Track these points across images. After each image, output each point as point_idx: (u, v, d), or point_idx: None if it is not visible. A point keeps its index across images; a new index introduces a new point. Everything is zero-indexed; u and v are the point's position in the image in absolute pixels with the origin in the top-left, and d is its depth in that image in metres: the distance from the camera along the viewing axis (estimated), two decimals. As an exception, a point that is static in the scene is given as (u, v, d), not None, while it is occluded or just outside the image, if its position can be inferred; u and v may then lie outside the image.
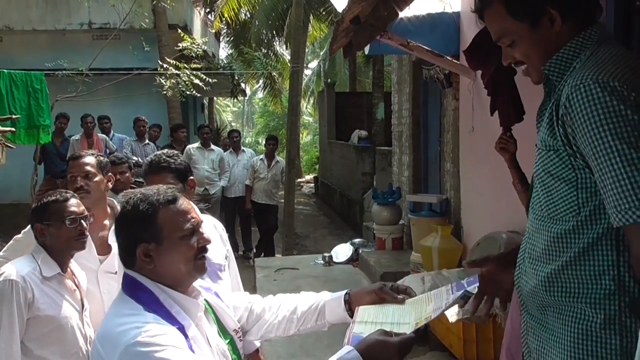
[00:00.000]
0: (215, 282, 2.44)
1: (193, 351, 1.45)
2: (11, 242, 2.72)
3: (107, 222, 2.75)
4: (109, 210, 2.79)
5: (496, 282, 1.78)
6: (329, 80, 20.50)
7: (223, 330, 1.68)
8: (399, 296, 1.72)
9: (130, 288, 1.52)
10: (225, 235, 2.72)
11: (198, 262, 1.55)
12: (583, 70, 1.41)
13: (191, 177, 2.54)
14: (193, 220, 1.55)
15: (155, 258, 1.51)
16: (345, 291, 1.84)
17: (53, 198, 2.38)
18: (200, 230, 1.58)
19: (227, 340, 1.67)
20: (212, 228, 2.61)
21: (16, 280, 2.24)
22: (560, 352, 1.46)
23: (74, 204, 2.41)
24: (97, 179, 2.73)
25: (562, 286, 1.46)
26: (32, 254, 2.37)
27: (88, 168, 2.72)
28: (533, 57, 1.56)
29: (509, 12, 1.52)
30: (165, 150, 2.59)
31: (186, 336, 1.47)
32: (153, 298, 1.49)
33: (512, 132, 3.24)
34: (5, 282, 2.24)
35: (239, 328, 1.77)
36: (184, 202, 1.57)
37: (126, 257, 1.55)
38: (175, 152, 2.61)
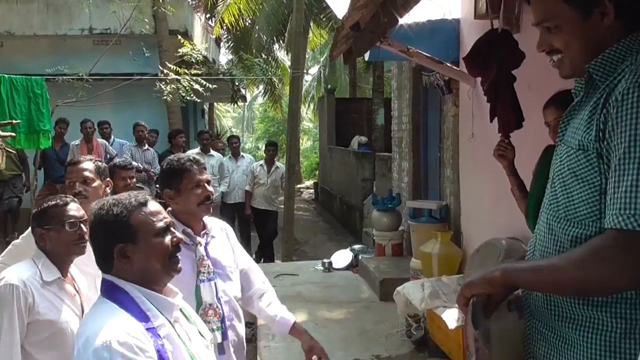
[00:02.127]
0: (225, 283, 2.52)
1: (164, 350, 1.53)
2: (9, 247, 2.72)
3: None
4: None
5: None
6: (329, 86, 20.54)
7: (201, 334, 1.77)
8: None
9: (108, 291, 1.61)
10: (234, 237, 2.73)
11: (172, 259, 1.66)
12: None
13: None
14: (165, 219, 1.67)
15: (132, 258, 1.60)
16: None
17: (53, 202, 2.39)
18: (173, 229, 1.69)
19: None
20: (219, 230, 2.65)
21: (17, 285, 2.25)
22: (571, 356, 1.43)
23: (74, 208, 2.42)
24: (95, 184, 2.77)
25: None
26: (32, 259, 2.38)
27: (86, 174, 2.75)
28: (574, 48, 1.49)
29: None
30: (184, 154, 2.70)
31: (158, 336, 1.54)
32: (128, 298, 1.58)
33: (510, 139, 3.25)
34: (6, 287, 2.24)
35: (210, 341, 1.85)
36: (154, 204, 1.68)
37: (103, 262, 1.64)
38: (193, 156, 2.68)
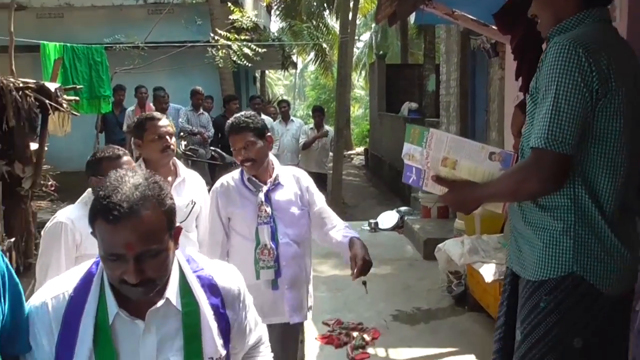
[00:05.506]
0: (287, 226, 2.84)
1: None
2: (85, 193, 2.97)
3: (170, 178, 3.00)
4: (172, 167, 3.08)
5: None
6: (380, 52, 20.42)
7: (194, 352, 1.53)
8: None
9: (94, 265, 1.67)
10: (307, 182, 2.96)
11: (123, 286, 1.47)
12: (569, 35, 1.82)
13: (269, 134, 2.86)
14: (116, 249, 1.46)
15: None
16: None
17: (107, 154, 2.54)
18: (131, 262, 1.44)
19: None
20: (289, 177, 2.92)
21: (66, 223, 2.48)
22: (532, 253, 1.91)
23: (126, 161, 2.56)
24: (173, 139, 3.04)
25: (535, 201, 1.89)
26: (84, 202, 2.57)
27: (169, 129, 3.01)
28: (543, 14, 1.99)
29: None
30: (243, 112, 2.92)
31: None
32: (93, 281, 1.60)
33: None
34: (57, 225, 2.49)
35: (220, 357, 1.57)
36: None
37: None
38: (253, 113, 2.94)
